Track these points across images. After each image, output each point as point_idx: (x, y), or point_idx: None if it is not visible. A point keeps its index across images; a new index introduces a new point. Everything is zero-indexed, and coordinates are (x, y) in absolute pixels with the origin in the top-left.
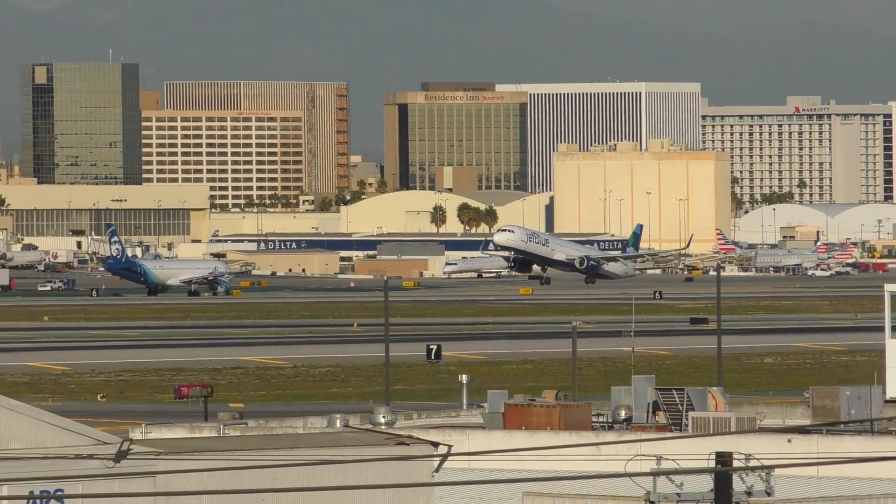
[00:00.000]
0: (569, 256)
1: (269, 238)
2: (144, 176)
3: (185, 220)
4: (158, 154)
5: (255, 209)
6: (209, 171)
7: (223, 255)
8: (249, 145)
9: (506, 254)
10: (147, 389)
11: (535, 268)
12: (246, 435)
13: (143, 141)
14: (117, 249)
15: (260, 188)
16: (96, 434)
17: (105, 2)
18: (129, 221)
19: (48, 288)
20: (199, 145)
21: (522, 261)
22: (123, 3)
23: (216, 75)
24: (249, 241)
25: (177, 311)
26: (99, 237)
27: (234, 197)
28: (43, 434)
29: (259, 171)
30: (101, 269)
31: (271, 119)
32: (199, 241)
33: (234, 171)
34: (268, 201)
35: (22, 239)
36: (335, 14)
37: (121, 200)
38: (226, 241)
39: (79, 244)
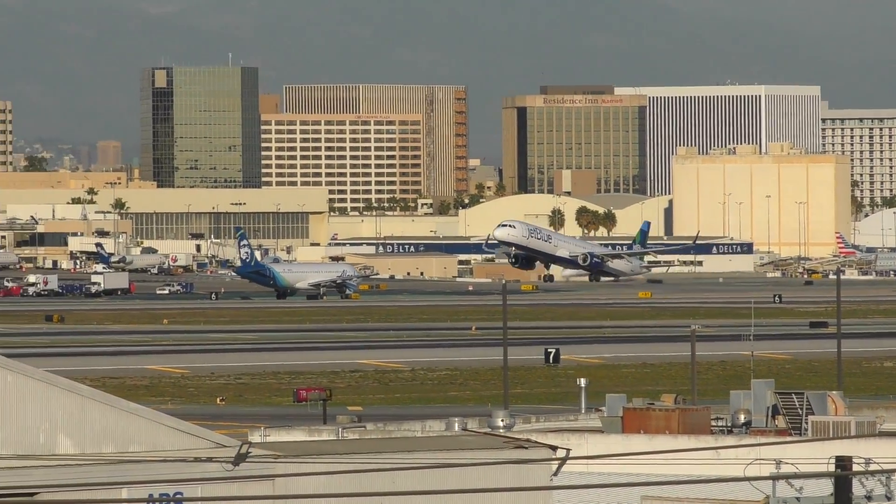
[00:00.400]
0: (572, 253)
1: (387, 241)
2: (263, 179)
3: (303, 224)
4: (277, 157)
5: (373, 212)
6: (328, 174)
7: (342, 259)
8: (368, 149)
9: (507, 249)
10: (266, 392)
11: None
12: (364, 438)
13: (263, 144)
14: (246, 253)
15: (378, 191)
16: (215, 437)
17: (225, 5)
18: (248, 225)
19: (166, 291)
20: (318, 149)
21: (525, 257)
22: (243, 6)
23: (335, 79)
24: (368, 244)
25: (296, 314)
26: (218, 240)
27: (353, 200)
28: (162, 437)
29: (378, 174)
30: (221, 271)
31: (390, 122)
32: (318, 245)
33: (352, 174)
34: (386, 205)
35: (141, 242)
36: (454, 17)
37: (240, 204)
38: (344, 244)
39: (198, 247)
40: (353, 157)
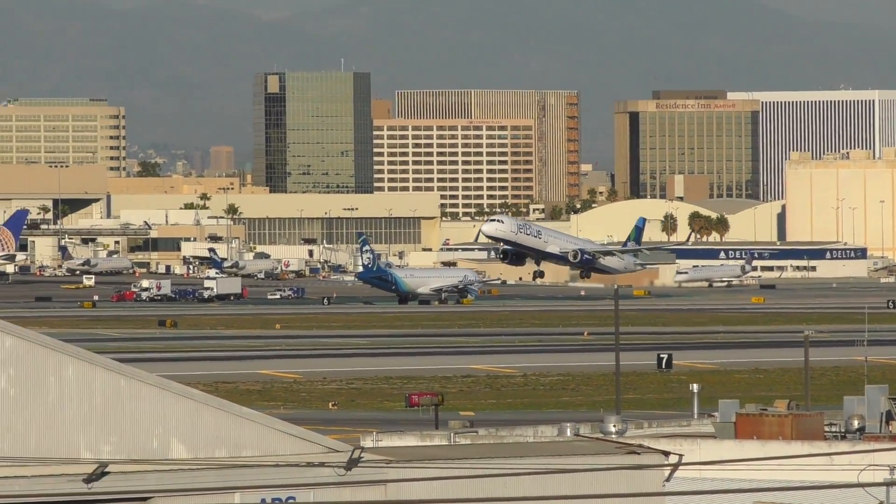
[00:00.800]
0: (562, 249)
1: (499, 246)
2: (375, 185)
3: (415, 229)
4: (389, 163)
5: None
6: (440, 179)
7: (454, 264)
8: (480, 154)
9: (497, 245)
10: (378, 397)
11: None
12: (476, 443)
13: (375, 150)
14: (369, 258)
15: (490, 196)
16: (327, 442)
17: (337, 11)
18: (359, 230)
19: (278, 296)
20: (430, 154)
21: (515, 253)
22: (355, 12)
23: (447, 84)
24: (479, 249)
25: (408, 319)
26: (330, 246)
27: (465, 205)
28: (275, 442)
29: (489, 179)
30: (335, 276)
31: (502, 127)
32: (430, 250)
33: (464, 179)
34: (498, 210)
35: (254, 247)
36: (565, 22)
37: (352, 209)
38: (456, 249)
39: (310, 252)
40: (464, 163)
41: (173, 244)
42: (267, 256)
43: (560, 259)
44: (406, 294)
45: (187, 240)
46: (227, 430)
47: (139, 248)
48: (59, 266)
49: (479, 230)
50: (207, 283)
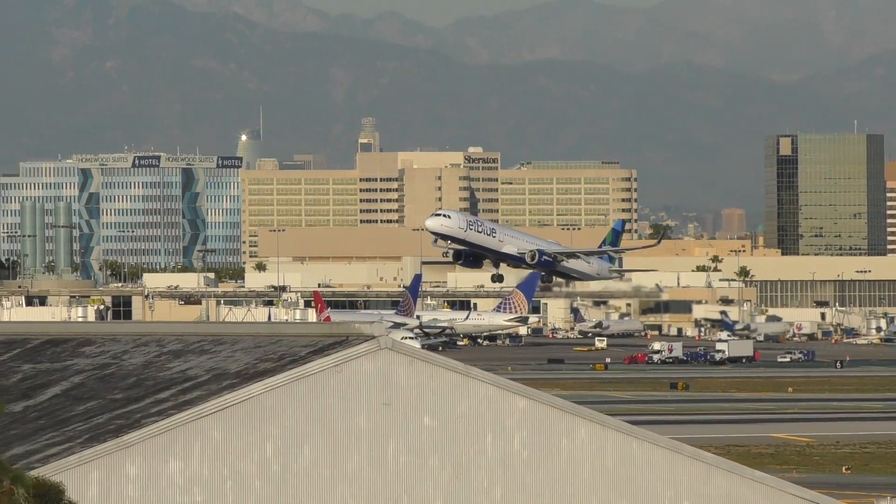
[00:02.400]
0: (520, 250)
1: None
2: (889, 247)
3: None
4: None
5: None
6: None
7: None
8: None
9: (444, 244)
10: (893, 462)
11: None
12: None
13: (888, 212)
14: None
15: None
16: None
17: (851, 72)
18: (872, 293)
19: (787, 359)
20: None
21: (470, 254)
22: (870, 73)
23: None
24: None
25: None
26: (843, 309)
27: None
28: None
29: None
30: (845, 340)
31: None
32: None
33: None
34: None
35: (766, 310)
36: None
37: (865, 272)
38: None
39: (822, 316)
40: None
41: (685, 307)
42: (779, 319)
43: (517, 260)
44: None
45: (698, 302)
46: (738, 493)
47: (651, 310)
48: (572, 328)
49: (425, 226)
50: (719, 346)
